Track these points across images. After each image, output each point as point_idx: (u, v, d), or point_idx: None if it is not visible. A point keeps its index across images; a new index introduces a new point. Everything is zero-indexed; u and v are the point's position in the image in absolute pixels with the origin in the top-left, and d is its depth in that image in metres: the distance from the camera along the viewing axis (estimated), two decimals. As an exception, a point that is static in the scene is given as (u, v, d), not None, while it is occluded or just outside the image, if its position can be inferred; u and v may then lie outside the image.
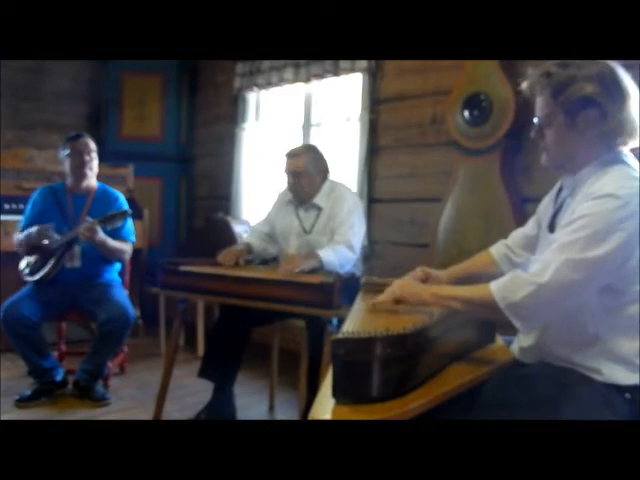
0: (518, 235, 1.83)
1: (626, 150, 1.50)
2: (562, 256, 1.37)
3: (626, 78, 1.48)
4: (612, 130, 1.46)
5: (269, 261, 3.01)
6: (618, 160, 1.47)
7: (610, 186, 1.38)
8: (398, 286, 1.66)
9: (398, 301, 1.62)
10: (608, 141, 1.48)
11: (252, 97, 4.56)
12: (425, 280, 1.81)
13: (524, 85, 1.58)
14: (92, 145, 3.23)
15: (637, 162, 1.50)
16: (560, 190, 1.65)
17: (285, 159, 2.85)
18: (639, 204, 1.36)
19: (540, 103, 1.54)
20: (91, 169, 3.24)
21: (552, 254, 1.40)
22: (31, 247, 3.11)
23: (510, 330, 1.48)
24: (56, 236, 3.07)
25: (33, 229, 3.08)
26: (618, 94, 1.45)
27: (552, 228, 1.58)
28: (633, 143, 1.50)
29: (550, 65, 1.52)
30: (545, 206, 1.71)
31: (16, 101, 4.69)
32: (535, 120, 1.57)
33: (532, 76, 1.55)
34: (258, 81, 4.30)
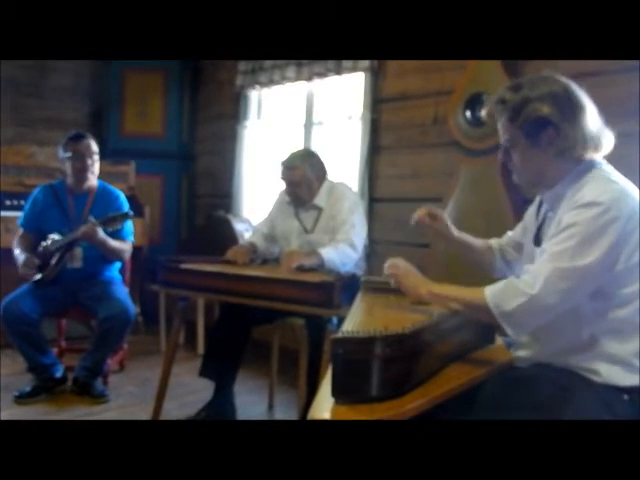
0: (507, 238, 1.88)
1: (597, 157, 1.52)
2: (551, 266, 1.40)
3: (579, 93, 1.50)
4: (571, 146, 1.48)
5: (269, 261, 3.01)
6: (592, 168, 1.49)
7: (591, 194, 1.41)
8: (401, 273, 1.67)
9: (398, 286, 1.65)
10: (571, 155, 1.49)
11: (254, 95, 4.55)
12: (433, 218, 1.89)
13: (483, 113, 1.61)
14: (94, 147, 3.23)
15: (611, 167, 1.52)
16: (541, 204, 1.67)
17: (281, 167, 2.83)
18: (621, 207, 1.38)
19: (501, 128, 1.57)
20: (93, 172, 3.24)
21: (542, 265, 1.43)
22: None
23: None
24: (57, 237, 3.08)
25: (21, 257, 3.07)
26: (571, 111, 1.47)
27: (537, 242, 1.60)
28: (596, 155, 1.51)
29: (503, 90, 1.55)
30: (530, 216, 1.74)
31: (18, 97, 4.69)
32: (501, 143, 1.59)
33: (489, 103, 1.59)
34: (260, 79, 4.30)
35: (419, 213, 1.93)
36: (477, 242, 1.92)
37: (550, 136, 1.48)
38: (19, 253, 3.12)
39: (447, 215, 1.92)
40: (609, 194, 1.39)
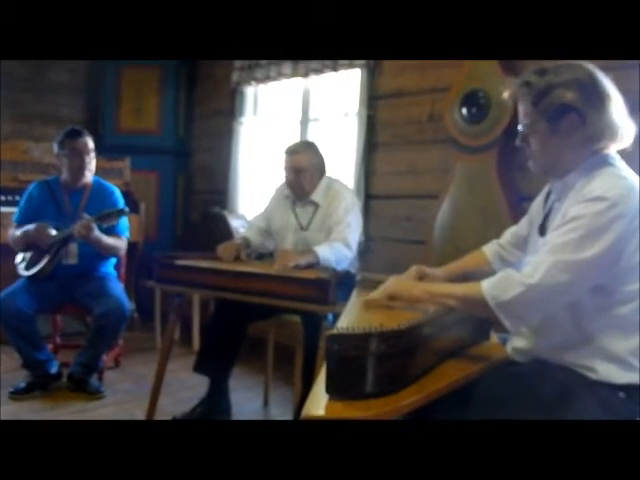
0: (510, 234, 1.85)
1: (612, 152, 1.51)
2: (553, 257, 1.39)
3: (605, 82, 1.48)
4: (593, 135, 1.46)
5: (265, 256, 3.00)
6: (605, 163, 1.48)
7: (599, 188, 1.40)
8: (391, 283, 1.66)
9: (392, 298, 1.63)
10: (591, 145, 1.48)
11: (250, 91, 4.54)
12: (421, 279, 1.81)
13: (505, 94, 1.59)
14: (91, 144, 3.22)
15: (624, 163, 1.51)
16: (549, 194, 1.66)
17: (285, 156, 2.84)
18: (628, 204, 1.38)
19: (522, 112, 1.55)
20: (90, 170, 3.24)
21: (543, 256, 1.42)
22: (28, 245, 3.11)
23: (505, 328, 1.49)
24: (53, 232, 3.07)
25: (31, 227, 3.07)
26: (596, 99, 1.46)
27: (542, 232, 1.59)
28: (617, 146, 1.50)
29: (528, 74, 1.53)
30: (536, 207, 1.72)
31: (14, 93, 4.66)
32: (519, 128, 1.58)
33: (512, 85, 1.56)
34: (256, 75, 4.29)
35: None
36: (468, 263, 1.89)
37: (572, 123, 1.46)
38: (23, 230, 3.10)
39: (427, 270, 1.85)
40: (617, 190, 1.38)
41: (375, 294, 1.68)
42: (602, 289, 1.42)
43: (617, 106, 1.48)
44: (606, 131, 1.46)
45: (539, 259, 1.43)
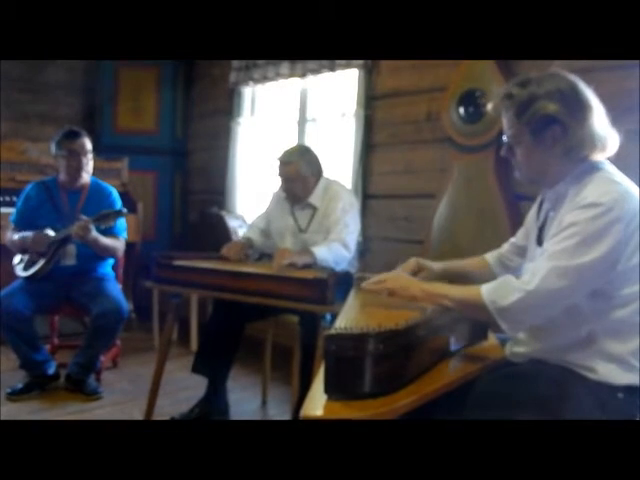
0: (509, 244, 1.86)
1: (601, 158, 1.51)
2: (550, 264, 1.40)
3: (587, 92, 1.49)
4: (577, 145, 1.47)
5: (265, 256, 3.00)
6: (595, 169, 1.48)
7: (592, 194, 1.40)
8: (390, 278, 1.66)
9: (390, 294, 1.63)
10: (576, 155, 1.49)
11: (248, 91, 4.54)
12: (418, 271, 1.82)
13: (489, 107, 1.60)
14: (88, 145, 3.22)
15: (614, 167, 1.51)
16: (541, 203, 1.67)
17: (277, 163, 2.83)
18: (623, 209, 1.38)
19: (506, 123, 1.56)
20: (87, 171, 3.23)
21: (541, 263, 1.43)
22: (25, 249, 3.11)
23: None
24: (51, 233, 3.07)
25: (29, 234, 3.07)
26: (579, 110, 1.46)
27: (540, 241, 1.60)
28: (601, 155, 1.50)
29: (511, 86, 1.54)
30: (531, 218, 1.73)
31: (11, 92, 4.65)
32: (504, 139, 1.58)
33: (495, 97, 1.58)
34: (254, 75, 4.29)
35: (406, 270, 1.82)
36: (466, 263, 1.89)
37: (556, 134, 1.47)
38: (21, 236, 3.10)
39: (425, 263, 1.84)
40: (611, 195, 1.39)
41: (372, 283, 1.68)
42: (600, 293, 1.43)
43: (599, 116, 1.49)
44: (588, 141, 1.47)
45: (537, 266, 1.44)
